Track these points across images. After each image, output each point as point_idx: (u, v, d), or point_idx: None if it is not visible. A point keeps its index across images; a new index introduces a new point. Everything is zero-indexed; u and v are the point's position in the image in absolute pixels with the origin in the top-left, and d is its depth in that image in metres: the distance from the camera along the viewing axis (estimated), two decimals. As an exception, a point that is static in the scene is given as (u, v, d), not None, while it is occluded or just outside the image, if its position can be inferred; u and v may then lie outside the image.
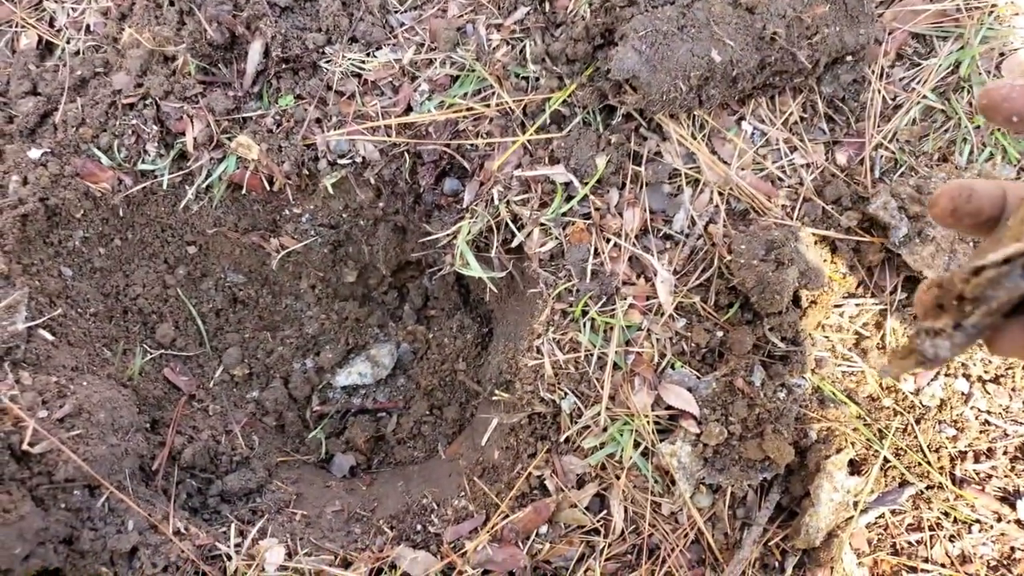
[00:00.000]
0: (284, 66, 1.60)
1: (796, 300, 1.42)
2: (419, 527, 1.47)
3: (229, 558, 1.34)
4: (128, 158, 1.59)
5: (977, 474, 1.41)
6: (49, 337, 1.43)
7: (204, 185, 1.63)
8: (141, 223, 1.70)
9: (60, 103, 1.59)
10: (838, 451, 1.36)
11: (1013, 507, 1.39)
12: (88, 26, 1.67)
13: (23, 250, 1.49)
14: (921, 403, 1.44)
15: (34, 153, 1.53)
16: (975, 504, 1.39)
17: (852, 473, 1.39)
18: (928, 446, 1.42)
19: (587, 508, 1.41)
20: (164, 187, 1.62)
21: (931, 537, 1.39)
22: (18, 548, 1.14)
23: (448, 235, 1.58)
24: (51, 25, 1.69)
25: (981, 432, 1.43)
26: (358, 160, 1.59)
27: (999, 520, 1.39)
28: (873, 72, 1.50)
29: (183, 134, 1.59)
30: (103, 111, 1.58)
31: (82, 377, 1.40)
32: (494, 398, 1.56)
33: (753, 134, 1.50)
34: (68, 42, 1.65)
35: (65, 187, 1.53)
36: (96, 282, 1.67)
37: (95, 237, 1.65)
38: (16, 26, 1.68)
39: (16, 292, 1.39)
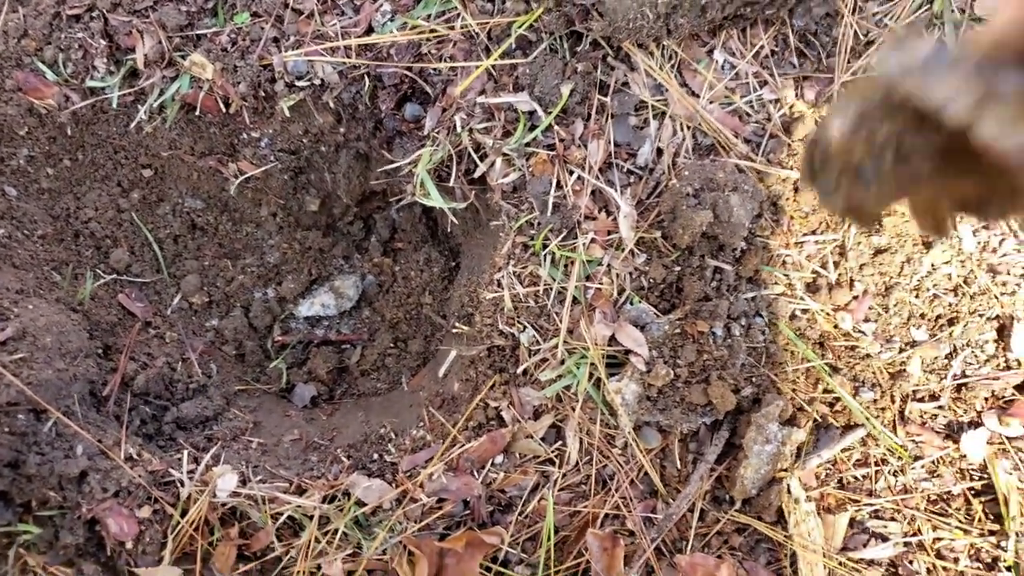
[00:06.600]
0: (239, -19, 1.53)
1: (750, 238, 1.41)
2: (376, 456, 1.47)
3: (182, 484, 1.33)
4: (75, 74, 1.52)
5: (923, 413, 1.44)
6: (-7, 258, 1.39)
7: (156, 105, 1.57)
8: (92, 143, 1.64)
9: (0, 12, 1.51)
10: (767, 404, 1.37)
11: (957, 442, 1.42)
12: (31, -69, 1.57)
13: (-37, 168, 1.43)
14: (866, 347, 1.45)
15: (-26, 66, 1.46)
16: (918, 441, 1.42)
17: (787, 422, 1.40)
18: (878, 384, 1.44)
19: (543, 439, 1.42)
20: (114, 106, 1.55)
21: (876, 472, 1.42)
22: (-41, 470, 1.13)
23: (409, 163, 1.54)
24: (-9, -71, 1.59)
25: (928, 373, 1.45)
26: (316, 82, 1.53)
27: (942, 456, 1.43)
28: (846, 6, 1.46)
29: (133, 50, 1.52)
30: (47, 22, 1.50)
31: (27, 300, 1.36)
32: (455, 331, 1.55)
33: (723, 66, 1.47)
34: (10, -52, 1.56)
35: (7, 102, 1.47)
36: (44, 203, 1.61)
37: (41, 156, 1.59)
38: (-46, -71, 1.58)
39: (-43, 211, 1.34)
